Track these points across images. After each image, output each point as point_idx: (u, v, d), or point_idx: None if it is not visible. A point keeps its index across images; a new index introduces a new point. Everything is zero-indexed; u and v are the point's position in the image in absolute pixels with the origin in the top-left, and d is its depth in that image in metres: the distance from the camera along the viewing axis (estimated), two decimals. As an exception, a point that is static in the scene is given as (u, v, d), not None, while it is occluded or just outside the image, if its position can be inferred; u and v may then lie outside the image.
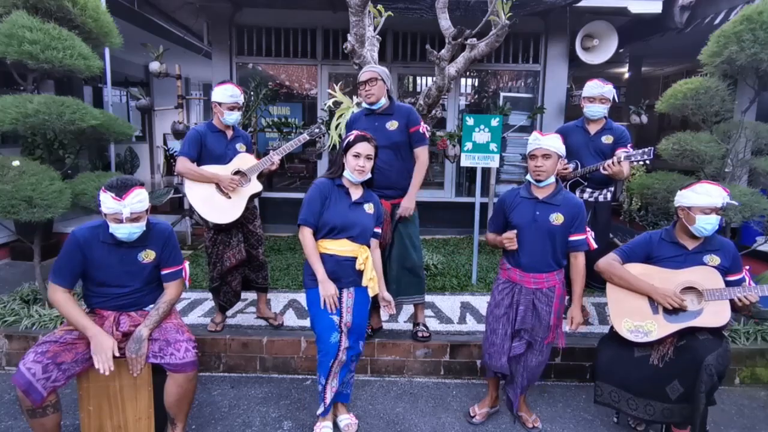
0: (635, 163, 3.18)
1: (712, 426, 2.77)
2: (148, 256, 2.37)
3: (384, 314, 3.46)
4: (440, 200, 6.53)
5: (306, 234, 2.45)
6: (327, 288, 2.40)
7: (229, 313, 3.55)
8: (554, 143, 2.47)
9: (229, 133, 3.22)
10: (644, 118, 7.33)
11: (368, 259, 2.49)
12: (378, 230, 2.61)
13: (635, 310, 2.51)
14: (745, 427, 2.82)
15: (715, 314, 2.37)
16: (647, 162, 3.13)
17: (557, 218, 2.48)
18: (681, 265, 2.48)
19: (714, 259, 2.46)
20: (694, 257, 2.48)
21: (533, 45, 6.50)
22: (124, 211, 2.19)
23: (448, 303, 3.94)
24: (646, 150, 3.08)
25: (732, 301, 2.41)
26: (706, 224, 2.39)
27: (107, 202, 2.19)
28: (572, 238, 2.51)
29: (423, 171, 3.19)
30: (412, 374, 3.29)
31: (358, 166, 2.43)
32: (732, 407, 3.00)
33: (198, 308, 3.79)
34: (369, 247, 2.55)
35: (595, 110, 3.33)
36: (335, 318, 2.44)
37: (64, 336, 2.25)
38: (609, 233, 3.61)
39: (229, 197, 3.11)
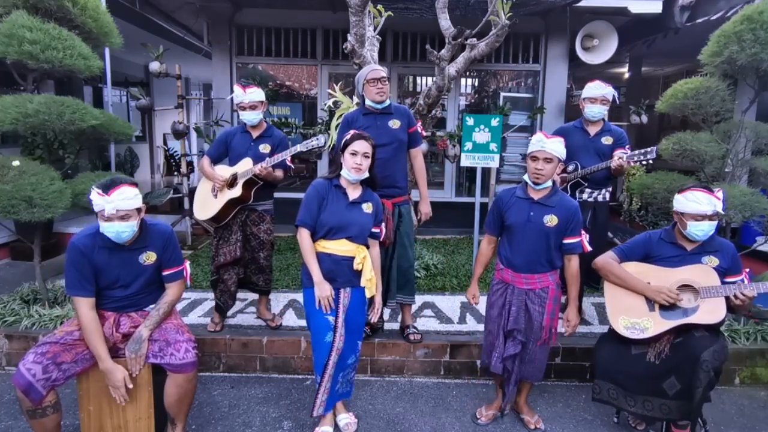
0: (639, 164, 3.21)
1: (713, 426, 2.77)
2: (149, 258, 2.36)
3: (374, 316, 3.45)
4: (440, 200, 6.53)
5: (303, 235, 2.46)
6: (323, 289, 2.41)
7: (229, 313, 3.54)
8: (558, 147, 2.43)
9: (255, 133, 3.29)
10: (644, 118, 7.33)
11: (366, 259, 2.48)
12: (377, 230, 2.59)
13: (631, 307, 2.53)
14: (745, 427, 2.82)
15: (710, 311, 2.38)
16: (651, 161, 3.16)
17: (551, 220, 2.46)
18: (679, 266, 2.48)
19: (713, 261, 2.46)
20: (692, 258, 2.48)
21: (533, 45, 6.51)
22: (107, 207, 2.14)
23: (448, 303, 3.94)
24: (649, 150, 3.12)
25: (731, 301, 2.40)
26: (698, 231, 2.40)
27: (95, 198, 2.18)
28: (567, 241, 2.50)
29: (425, 172, 3.32)
30: (412, 374, 3.28)
31: (355, 164, 2.43)
32: (732, 407, 3.00)
33: (198, 308, 3.79)
34: (368, 247, 2.55)
35: (597, 111, 3.33)
36: (330, 318, 2.44)
37: (65, 337, 2.25)
38: (607, 232, 3.65)
39: (216, 197, 3.26)
